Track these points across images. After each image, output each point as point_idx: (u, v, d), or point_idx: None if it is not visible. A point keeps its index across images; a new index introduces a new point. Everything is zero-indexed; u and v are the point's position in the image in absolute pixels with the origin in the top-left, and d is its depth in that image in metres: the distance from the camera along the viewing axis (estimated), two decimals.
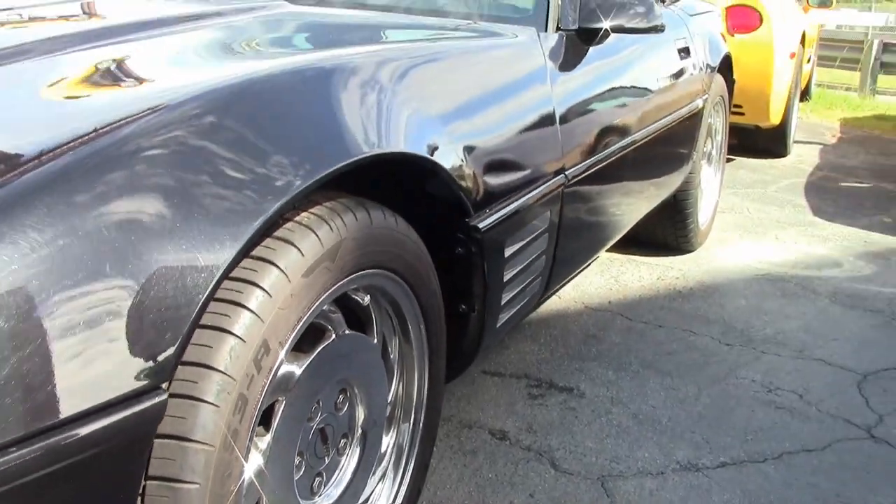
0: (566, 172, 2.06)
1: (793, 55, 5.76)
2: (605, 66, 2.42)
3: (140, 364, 0.98)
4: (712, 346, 2.86)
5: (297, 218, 1.23)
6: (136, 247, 0.98)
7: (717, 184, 4.07)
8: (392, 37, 1.96)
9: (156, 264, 1.00)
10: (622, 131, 2.49)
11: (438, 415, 1.72)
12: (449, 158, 1.56)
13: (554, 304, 3.08)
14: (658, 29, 2.33)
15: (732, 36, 5.19)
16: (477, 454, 2.12)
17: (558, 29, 2.22)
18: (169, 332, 1.00)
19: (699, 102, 3.35)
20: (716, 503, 1.98)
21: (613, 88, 2.47)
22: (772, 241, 4.13)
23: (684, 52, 3.21)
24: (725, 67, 3.89)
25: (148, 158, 1.04)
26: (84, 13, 2.01)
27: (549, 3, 2.23)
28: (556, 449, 2.17)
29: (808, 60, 8.06)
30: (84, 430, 0.92)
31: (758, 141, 6.02)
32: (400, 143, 1.42)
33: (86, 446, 0.93)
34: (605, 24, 2.24)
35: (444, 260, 1.65)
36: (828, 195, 5.20)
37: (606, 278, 3.43)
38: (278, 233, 1.19)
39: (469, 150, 1.64)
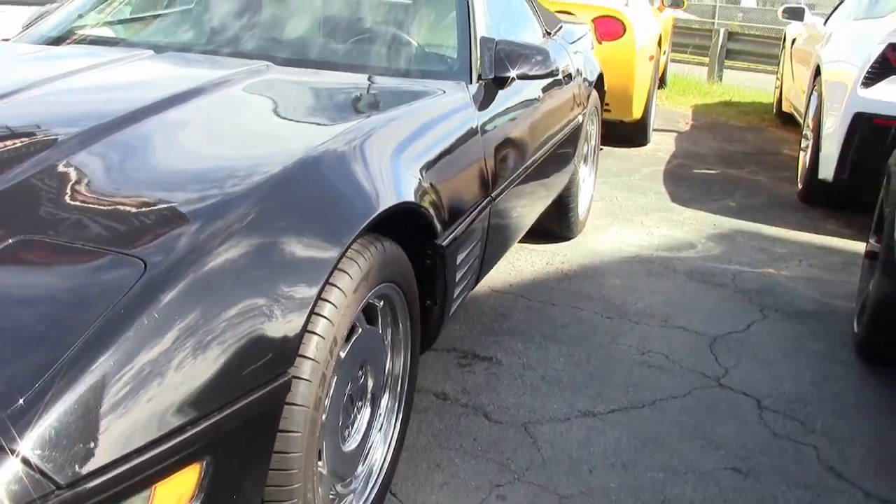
0: (492, 193, 2.71)
1: (651, 58, 6.56)
2: (512, 103, 3.06)
3: (280, 357, 1.58)
4: (596, 319, 3.57)
5: (347, 253, 1.83)
6: (275, 287, 1.58)
7: (592, 180, 4.81)
8: (364, 101, 2.56)
9: (285, 296, 1.60)
10: (527, 151, 3.15)
11: (415, 383, 2.36)
12: (424, 197, 2.18)
13: None
14: (553, 74, 2.98)
15: (600, 43, 5.93)
16: (428, 411, 2.77)
17: (479, 79, 2.85)
18: (292, 335, 1.61)
19: (580, 118, 4.05)
20: (609, 439, 2.68)
21: (519, 119, 3.12)
22: (638, 227, 4.89)
23: (567, 77, 3.90)
24: (599, 83, 4.61)
25: (256, 229, 1.62)
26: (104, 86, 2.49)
27: (471, 62, 2.86)
28: (486, 405, 2.83)
29: (664, 53, 8.93)
30: (259, 394, 1.52)
31: (622, 132, 6.82)
32: (400, 195, 2.04)
33: (258, 406, 1.53)
34: (513, 73, 2.87)
35: (415, 268, 2.27)
36: (683, 182, 6.03)
37: (505, 265, 4.11)
38: (338, 265, 1.79)
39: (434, 187, 2.26)
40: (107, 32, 3.15)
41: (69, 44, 2.97)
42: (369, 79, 2.71)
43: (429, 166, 2.30)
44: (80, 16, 3.16)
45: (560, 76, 3.74)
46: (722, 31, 11.67)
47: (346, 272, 1.80)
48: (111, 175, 1.82)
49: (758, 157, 7.08)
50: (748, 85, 11.39)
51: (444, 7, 3.18)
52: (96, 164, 1.83)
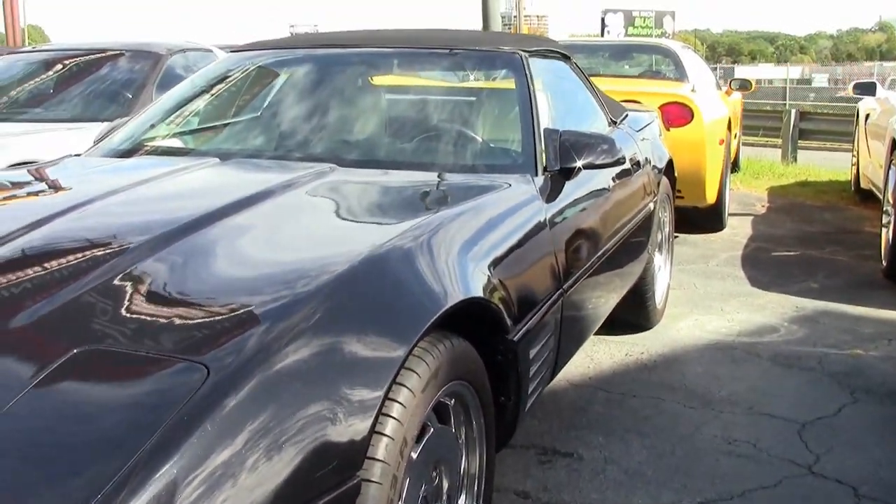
0: (563, 285, 2.68)
1: (722, 141, 6.52)
2: (580, 194, 3.05)
3: (349, 460, 1.56)
4: (679, 409, 3.48)
5: (414, 351, 1.81)
6: (341, 388, 1.57)
7: (667, 268, 4.74)
8: (429, 198, 2.57)
9: (351, 398, 1.58)
10: (597, 242, 3.13)
11: (493, 482, 2.31)
12: (493, 292, 2.17)
13: None
14: (620, 162, 2.97)
15: (668, 130, 5.91)
16: None
17: (545, 171, 2.85)
18: (359, 438, 1.59)
19: (651, 205, 4.02)
20: None
21: (588, 210, 3.11)
22: (718, 313, 4.79)
23: (636, 165, 3.88)
24: (669, 170, 4.58)
25: (321, 330, 1.63)
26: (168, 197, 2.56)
27: (536, 154, 2.87)
28: (568, 503, 2.76)
29: (735, 136, 8.88)
30: (329, 497, 1.50)
31: (697, 218, 6.75)
32: (468, 290, 2.03)
33: None
34: (579, 163, 2.87)
35: (487, 364, 2.24)
36: (761, 266, 5.91)
37: (583, 357, 4.04)
38: (405, 363, 1.78)
39: (502, 282, 2.24)
40: (174, 143, 3.25)
41: (138, 156, 3.06)
42: (436, 176, 2.73)
43: (497, 261, 2.28)
44: (149, 128, 3.26)
45: (628, 164, 3.73)
46: (793, 111, 11.59)
47: (413, 371, 1.78)
48: (177, 281, 1.85)
49: (838, 236, 6.94)
50: (824, 164, 11.22)
51: (507, 102, 3.22)
52: (162, 271, 1.86)
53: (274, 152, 3.00)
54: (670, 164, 4.64)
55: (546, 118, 3.23)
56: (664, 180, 4.45)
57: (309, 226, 2.23)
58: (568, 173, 2.90)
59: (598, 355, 4.10)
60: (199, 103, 3.47)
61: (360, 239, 2.06)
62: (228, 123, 3.40)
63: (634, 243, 3.76)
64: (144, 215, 2.30)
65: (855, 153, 8.80)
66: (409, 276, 1.92)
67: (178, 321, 1.66)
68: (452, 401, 2.04)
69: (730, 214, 7.41)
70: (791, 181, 9.83)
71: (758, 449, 3.13)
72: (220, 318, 1.66)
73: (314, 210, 2.38)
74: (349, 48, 3.50)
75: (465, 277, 2.08)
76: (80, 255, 1.96)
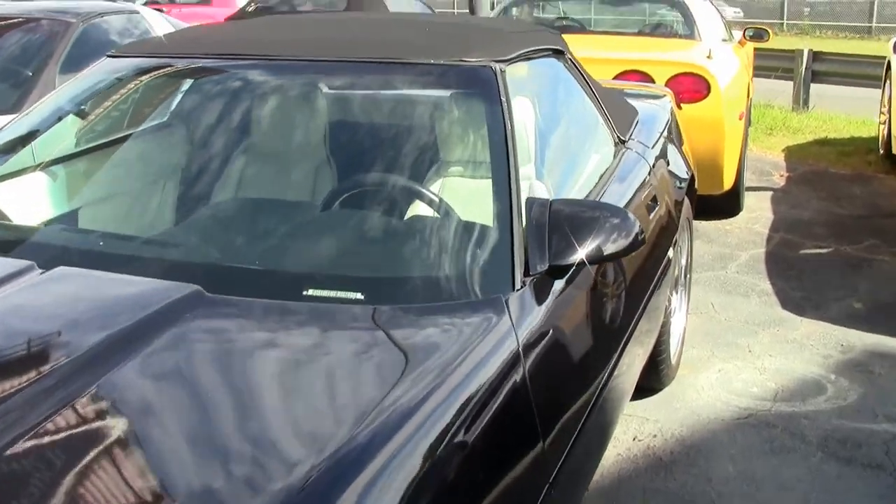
0: (552, 470, 1.72)
1: (742, 115, 5.50)
2: (574, 296, 2.06)
3: None
4: None
5: None
6: None
7: (684, 309, 3.75)
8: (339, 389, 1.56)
9: None
10: (601, 358, 2.16)
11: None
12: None
13: None
14: (637, 243, 1.97)
15: (680, 108, 4.87)
16: None
17: (526, 274, 1.86)
18: None
19: (670, 252, 3.02)
20: None
21: (587, 314, 2.13)
22: (745, 357, 3.83)
23: (652, 202, 2.87)
24: (690, 187, 3.57)
25: None
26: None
27: (513, 251, 1.87)
28: None
29: (749, 97, 7.80)
30: None
31: (711, 203, 5.69)
32: None
33: None
34: (581, 255, 1.88)
35: None
36: (791, 272, 4.91)
37: None
38: None
39: None
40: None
41: None
42: (331, 323, 1.71)
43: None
44: None
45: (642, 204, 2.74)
46: (806, 51, 10.41)
47: None
48: None
49: (874, 222, 5.91)
50: (839, 106, 9.95)
51: (472, 153, 2.22)
52: None
53: (125, 251, 1.97)
54: (692, 181, 3.62)
55: (529, 168, 2.25)
56: (685, 203, 3.43)
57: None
58: (562, 272, 1.92)
59: None
60: (45, 147, 2.43)
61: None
62: (73, 189, 2.37)
63: (649, 316, 2.76)
64: None
65: (884, 111, 7.75)
66: None
67: None
68: None
69: (746, 189, 6.37)
70: (808, 138, 8.72)
71: None
72: None
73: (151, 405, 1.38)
74: (252, 60, 2.44)
75: None
76: None
